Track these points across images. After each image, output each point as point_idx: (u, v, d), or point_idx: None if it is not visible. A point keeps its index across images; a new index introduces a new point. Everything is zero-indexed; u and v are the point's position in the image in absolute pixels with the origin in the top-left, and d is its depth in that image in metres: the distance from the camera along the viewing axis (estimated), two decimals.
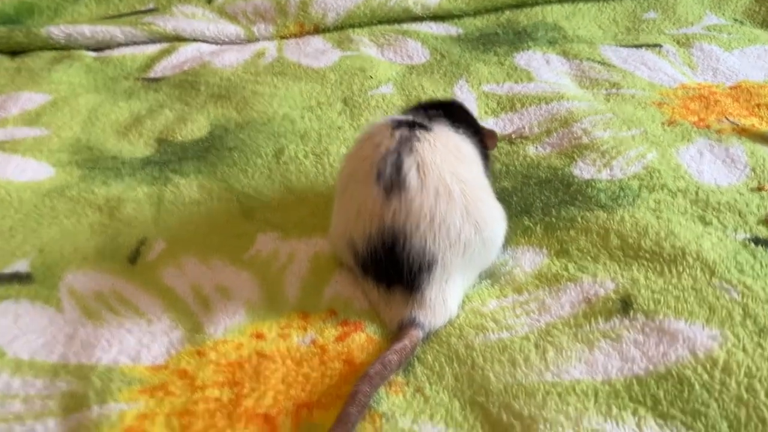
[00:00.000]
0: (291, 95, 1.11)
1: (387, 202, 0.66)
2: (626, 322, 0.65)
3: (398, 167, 0.67)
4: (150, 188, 0.90)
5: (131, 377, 0.61)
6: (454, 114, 0.78)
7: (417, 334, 0.64)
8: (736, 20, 1.34)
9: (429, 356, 0.63)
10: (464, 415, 0.57)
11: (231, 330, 0.66)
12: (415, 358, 0.63)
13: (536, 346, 0.63)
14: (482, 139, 0.79)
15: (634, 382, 0.59)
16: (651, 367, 0.60)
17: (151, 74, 1.21)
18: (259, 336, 0.65)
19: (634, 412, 0.56)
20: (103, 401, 0.58)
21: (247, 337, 0.65)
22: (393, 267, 0.65)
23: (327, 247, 0.78)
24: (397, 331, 0.64)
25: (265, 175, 0.92)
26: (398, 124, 0.71)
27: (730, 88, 1.10)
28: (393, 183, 0.66)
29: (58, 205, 0.87)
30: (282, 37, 1.33)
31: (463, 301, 0.69)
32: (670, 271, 0.70)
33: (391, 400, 0.58)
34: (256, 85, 1.14)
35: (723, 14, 1.37)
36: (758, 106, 1.05)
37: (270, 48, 1.28)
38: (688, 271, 0.70)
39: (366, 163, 0.69)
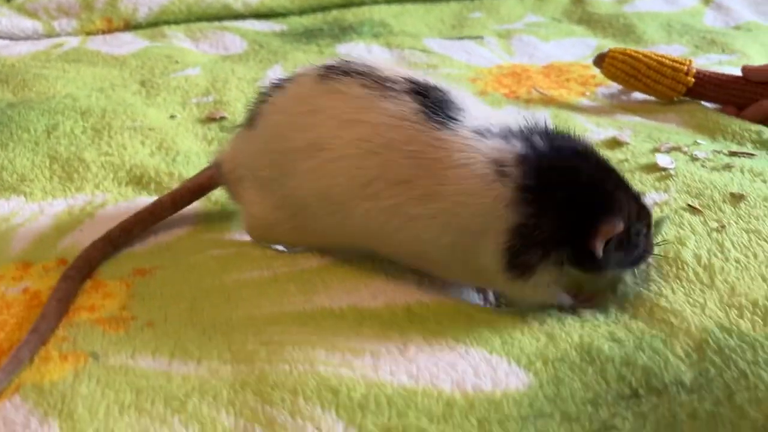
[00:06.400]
0: (81, 78, 1.00)
1: None
2: None
3: None
4: None
5: None
6: None
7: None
8: (554, 19, 1.38)
9: (169, 288, 0.53)
10: (198, 345, 0.47)
11: None
12: (161, 293, 0.53)
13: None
14: None
15: None
16: None
17: None
18: None
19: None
20: None
21: None
22: None
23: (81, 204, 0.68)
24: None
25: (29, 149, 0.80)
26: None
27: (543, 67, 1.11)
28: None
29: None
30: (88, 33, 1.22)
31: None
32: None
33: (107, 338, 0.48)
34: (42, 69, 1.02)
35: (543, 14, 1.40)
36: (567, 80, 1.05)
37: (71, 41, 1.18)
38: None
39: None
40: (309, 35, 1.25)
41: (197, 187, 0.65)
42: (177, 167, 0.76)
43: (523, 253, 0.48)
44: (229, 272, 0.55)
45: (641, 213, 0.51)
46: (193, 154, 0.80)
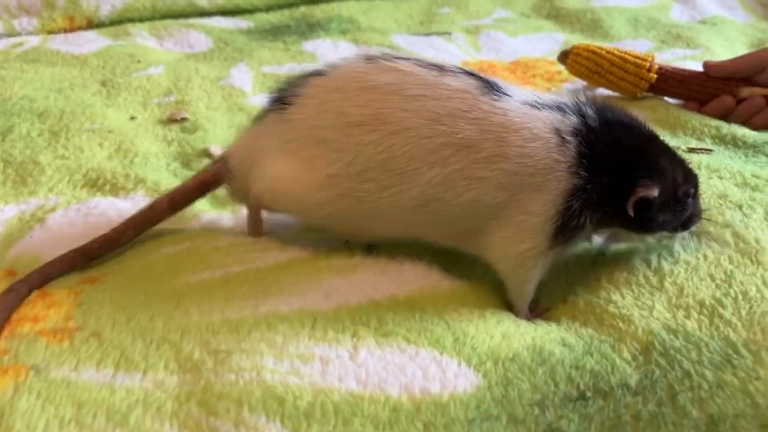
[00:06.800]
0: (39, 78, 0.98)
1: None
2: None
3: None
4: None
5: None
6: None
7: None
8: (523, 14, 1.38)
9: (118, 295, 0.52)
10: (144, 356, 0.47)
11: None
12: (109, 301, 0.52)
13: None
14: None
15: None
16: None
17: None
18: None
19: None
20: None
21: None
22: None
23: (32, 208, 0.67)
24: None
25: None
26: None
27: (510, 63, 1.11)
28: None
29: None
30: (49, 32, 1.20)
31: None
32: None
33: (50, 350, 0.47)
34: None
35: (512, 9, 1.40)
36: (533, 76, 1.05)
37: (31, 40, 1.16)
38: None
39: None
40: (275, 32, 1.24)
41: (200, 185, 0.61)
42: (134, 169, 0.75)
43: (575, 216, 0.51)
44: (180, 274, 0.55)
45: (687, 177, 0.55)
46: (152, 155, 0.79)
